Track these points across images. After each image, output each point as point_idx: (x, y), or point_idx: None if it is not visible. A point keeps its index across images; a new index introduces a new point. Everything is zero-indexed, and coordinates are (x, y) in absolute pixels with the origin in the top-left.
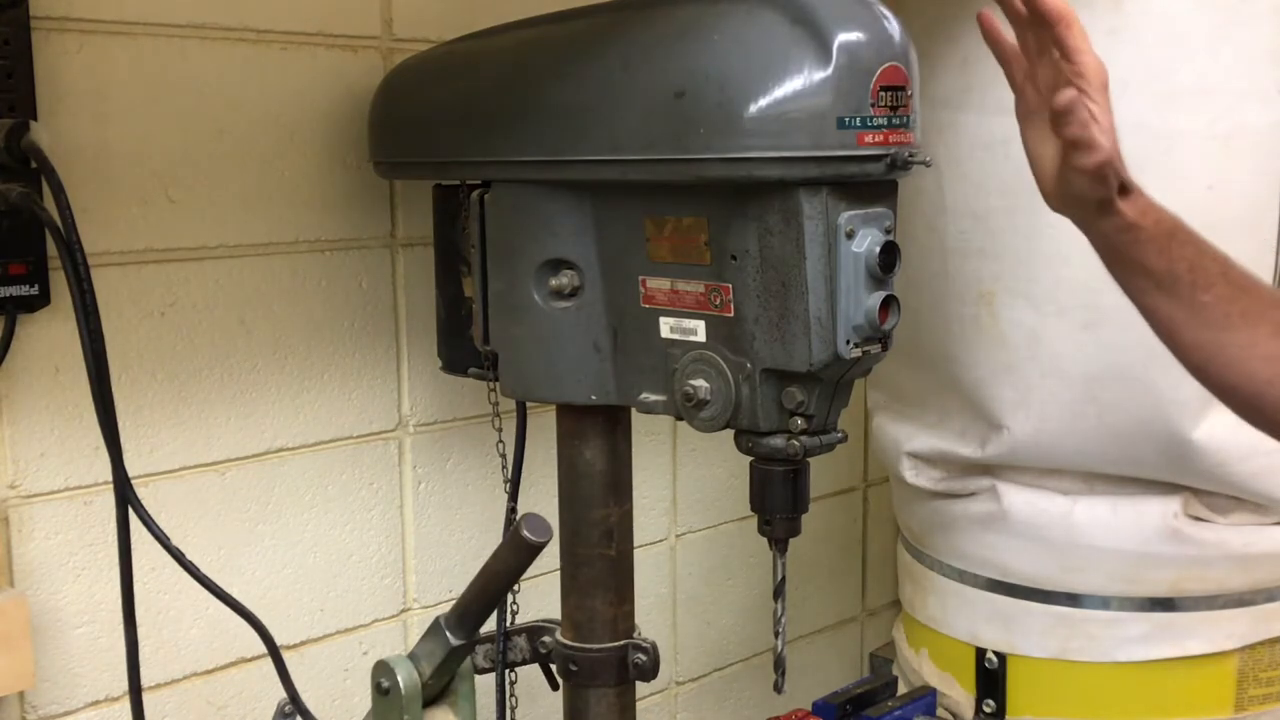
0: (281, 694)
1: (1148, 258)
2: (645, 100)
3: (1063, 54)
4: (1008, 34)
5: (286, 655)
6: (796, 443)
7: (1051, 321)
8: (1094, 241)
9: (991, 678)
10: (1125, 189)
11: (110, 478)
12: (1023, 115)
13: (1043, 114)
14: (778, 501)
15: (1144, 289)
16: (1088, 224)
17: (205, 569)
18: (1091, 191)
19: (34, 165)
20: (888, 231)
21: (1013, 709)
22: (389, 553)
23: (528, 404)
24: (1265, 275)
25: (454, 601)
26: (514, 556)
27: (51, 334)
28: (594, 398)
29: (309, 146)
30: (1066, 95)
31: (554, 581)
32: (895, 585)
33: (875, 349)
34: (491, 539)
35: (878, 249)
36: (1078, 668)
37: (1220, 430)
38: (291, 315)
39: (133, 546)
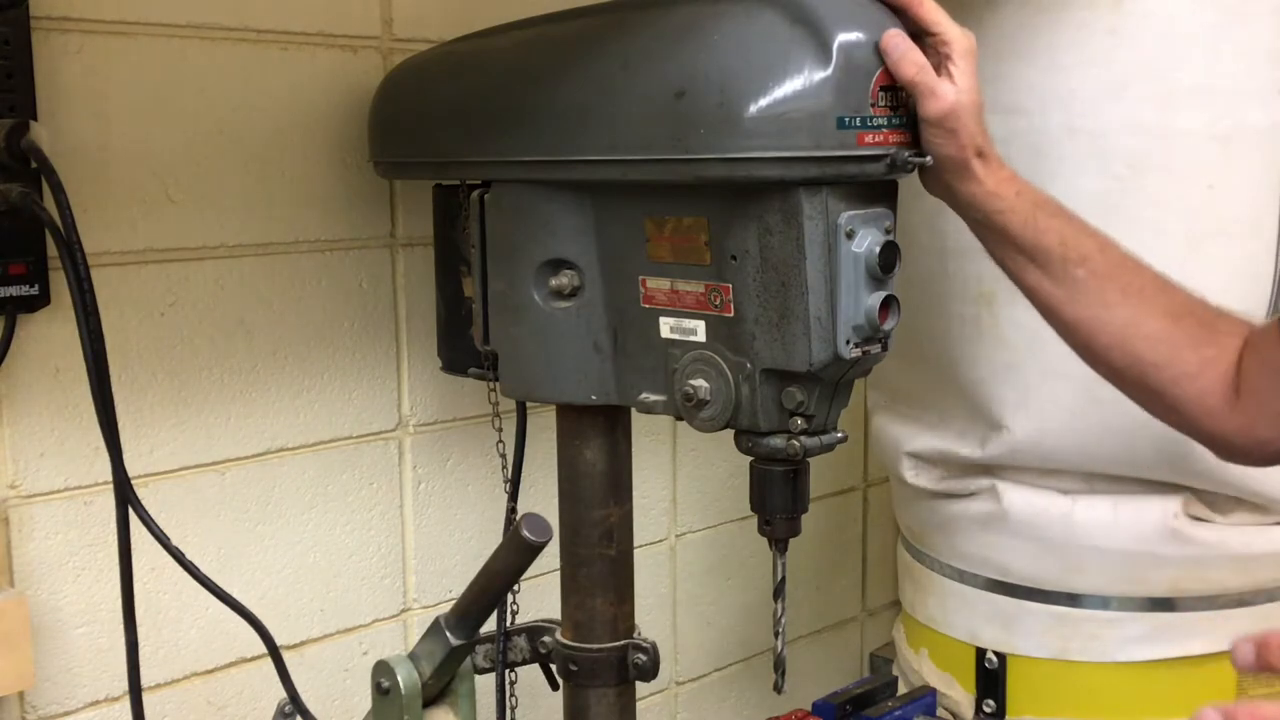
0: (281, 694)
1: (1013, 228)
2: (645, 100)
3: (924, 31)
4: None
5: (286, 655)
6: (796, 443)
7: None
8: (965, 218)
9: (991, 678)
10: (983, 155)
11: (110, 478)
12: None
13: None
14: (778, 501)
15: (1018, 265)
16: (953, 195)
17: (205, 569)
18: (944, 147)
19: (34, 165)
20: (888, 231)
21: (1013, 709)
22: (389, 553)
23: (528, 404)
24: (1265, 276)
25: (454, 601)
26: (514, 556)
27: (51, 334)
28: (594, 398)
29: (309, 146)
30: (887, 36)
31: (554, 581)
32: (895, 585)
33: (875, 349)
34: (491, 539)
35: (878, 249)
36: (1078, 668)
37: None
38: (291, 315)
39: (133, 546)
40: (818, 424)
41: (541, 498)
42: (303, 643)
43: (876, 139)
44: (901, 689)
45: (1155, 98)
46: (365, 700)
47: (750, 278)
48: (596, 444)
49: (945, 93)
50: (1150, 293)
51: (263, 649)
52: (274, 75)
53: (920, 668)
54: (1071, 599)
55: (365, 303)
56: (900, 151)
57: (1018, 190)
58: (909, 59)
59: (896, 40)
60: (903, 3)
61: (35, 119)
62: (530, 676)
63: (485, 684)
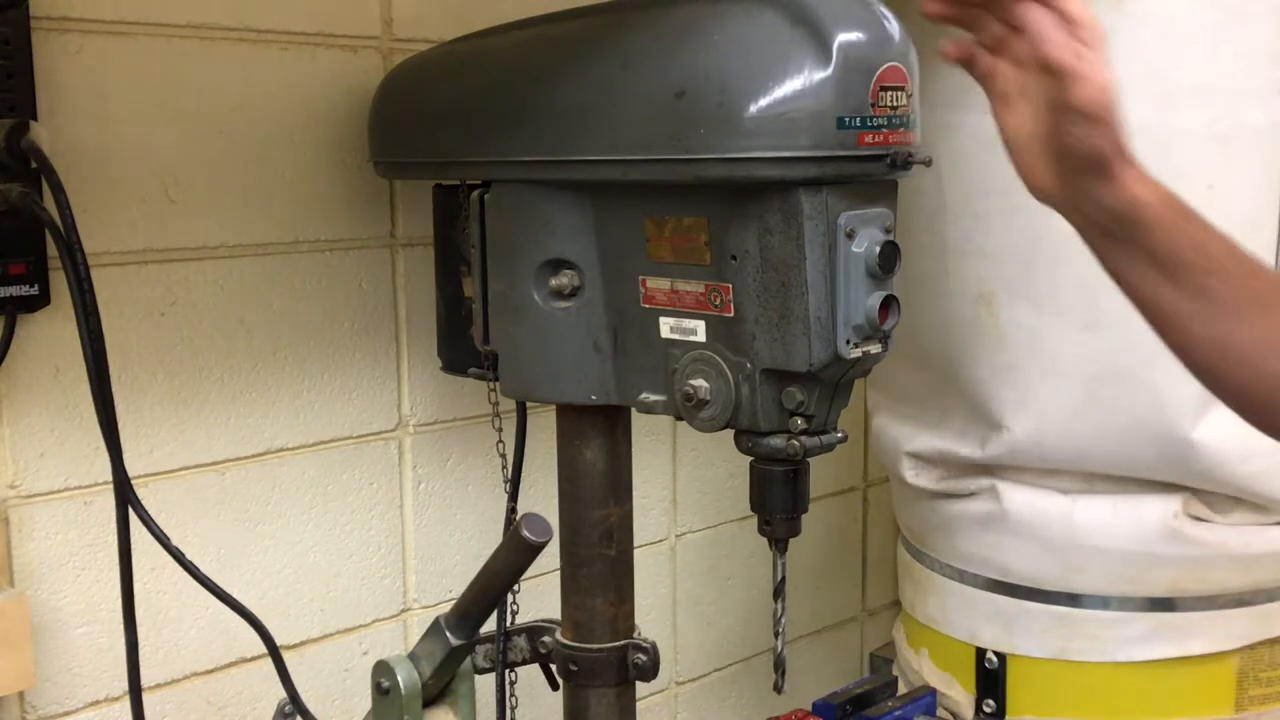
0: (281, 694)
1: (1155, 238)
2: (645, 100)
3: (1059, 13)
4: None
5: (286, 655)
6: (796, 443)
7: (1051, 321)
8: (1088, 227)
9: (991, 678)
10: (1124, 153)
11: (110, 478)
12: (998, 98)
13: (1021, 90)
14: (778, 501)
15: (1144, 277)
16: (1086, 201)
17: (205, 569)
18: (1088, 139)
19: (34, 165)
20: (888, 231)
21: (1013, 709)
22: (389, 553)
23: (528, 404)
24: None
25: (454, 601)
26: (514, 556)
27: (51, 334)
28: (594, 398)
29: (309, 146)
30: (1027, 11)
31: (554, 581)
32: (895, 585)
33: (875, 349)
34: (491, 539)
35: (878, 249)
36: (1078, 668)
37: (1220, 430)
38: (291, 315)
39: (133, 546)
40: (818, 424)
41: (541, 498)
42: (303, 643)
43: (876, 139)
44: (901, 689)
45: (1155, 98)
46: (365, 700)
47: (750, 278)
48: (596, 444)
49: (1095, 75)
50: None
51: (263, 649)
52: (274, 75)
53: (920, 668)
54: (1071, 599)
55: (365, 303)
56: (900, 151)
57: (1164, 196)
58: (1055, 39)
59: (1041, 18)
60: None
61: (35, 119)
62: (530, 676)
63: (485, 684)
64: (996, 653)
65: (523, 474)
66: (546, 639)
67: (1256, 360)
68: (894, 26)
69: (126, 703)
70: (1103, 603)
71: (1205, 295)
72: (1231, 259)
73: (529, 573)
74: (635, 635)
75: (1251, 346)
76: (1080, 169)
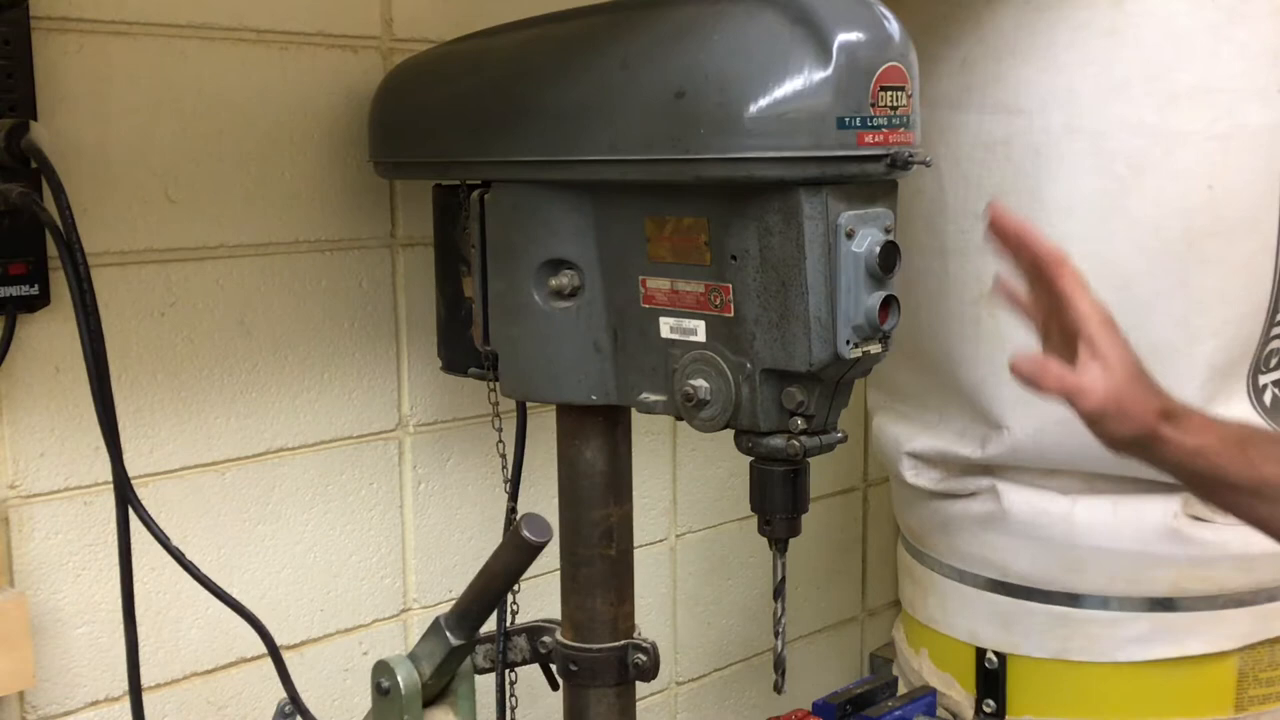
0: (281, 694)
1: (1229, 473)
2: (645, 100)
3: (1056, 301)
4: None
5: (286, 655)
6: (796, 443)
7: None
8: (1169, 472)
9: (991, 678)
10: (1170, 415)
11: (110, 478)
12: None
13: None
14: (778, 501)
15: (1242, 504)
16: (1155, 461)
17: (205, 569)
18: (1121, 431)
19: (34, 165)
20: (888, 231)
21: (1013, 709)
22: (389, 553)
23: (528, 404)
24: (1265, 276)
25: (454, 601)
26: (514, 556)
27: (51, 334)
28: (594, 398)
29: (309, 146)
30: (1017, 363)
31: (554, 581)
32: (895, 585)
33: (875, 349)
34: (491, 539)
35: (878, 249)
36: (1078, 668)
37: None
38: (291, 315)
39: (133, 546)
40: (818, 424)
41: (541, 498)
42: (303, 643)
43: (876, 139)
44: (901, 689)
45: (1155, 98)
46: (365, 700)
47: (750, 278)
48: (596, 444)
49: (1093, 386)
50: None
51: (263, 649)
52: (274, 75)
53: (920, 668)
54: (1071, 599)
55: (365, 303)
56: (900, 151)
57: (1220, 435)
58: (1045, 374)
59: (1030, 364)
60: (1049, 274)
61: (35, 119)
62: (530, 676)
63: (485, 684)
64: (996, 653)
65: (523, 474)
66: (546, 639)
67: None
68: (894, 26)
69: (126, 703)
70: (1103, 603)
71: None
72: None
73: (529, 573)
74: (635, 635)
75: None
76: (1128, 453)
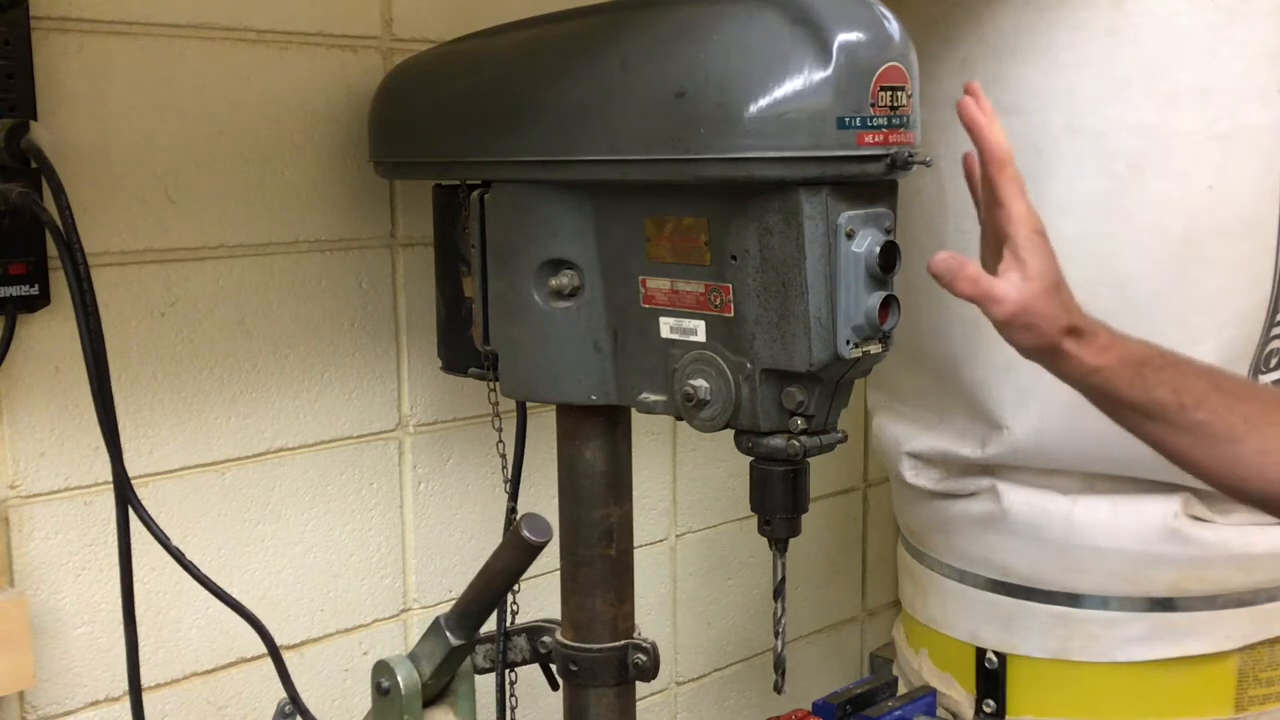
0: (281, 694)
1: (1122, 393)
2: (645, 100)
3: (992, 201)
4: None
5: (286, 655)
6: (796, 443)
7: None
8: (1070, 385)
9: (991, 678)
10: (1075, 331)
11: (110, 478)
12: (983, 254)
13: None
14: (777, 501)
15: (1135, 421)
16: (1054, 371)
17: (205, 569)
18: (1025, 341)
19: (34, 165)
20: (888, 231)
21: (1013, 709)
22: (389, 553)
23: (528, 404)
24: (1265, 276)
25: (454, 601)
26: (514, 556)
27: (51, 334)
28: (594, 398)
29: (309, 146)
30: (934, 261)
31: (554, 581)
32: (895, 585)
33: (875, 349)
34: (491, 539)
35: (878, 249)
36: (1078, 668)
37: None
38: (291, 315)
39: (133, 546)
40: (818, 424)
41: (541, 498)
42: (303, 643)
43: (876, 139)
44: (901, 689)
45: (1155, 98)
46: (365, 700)
47: (750, 278)
48: (596, 444)
49: (1006, 294)
50: (1275, 413)
51: (263, 649)
52: (274, 75)
53: (920, 668)
54: (1071, 599)
55: (365, 303)
56: (900, 151)
57: (1120, 355)
58: (961, 277)
59: (946, 262)
60: (991, 159)
61: (35, 119)
62: (530, 676)
63: (485, 684)
64: (996, 653)
65: (523, 474)
66: (546, 639)
67: (1264, 472)
68: (894, 26)
69: (126, 703)
70: (1103, 603)
71: (1195, 429)
72: (1213, 390)
73: (529, 573)
74: (635, 635)
75: (1255, 463)
76: (1033, 359)
